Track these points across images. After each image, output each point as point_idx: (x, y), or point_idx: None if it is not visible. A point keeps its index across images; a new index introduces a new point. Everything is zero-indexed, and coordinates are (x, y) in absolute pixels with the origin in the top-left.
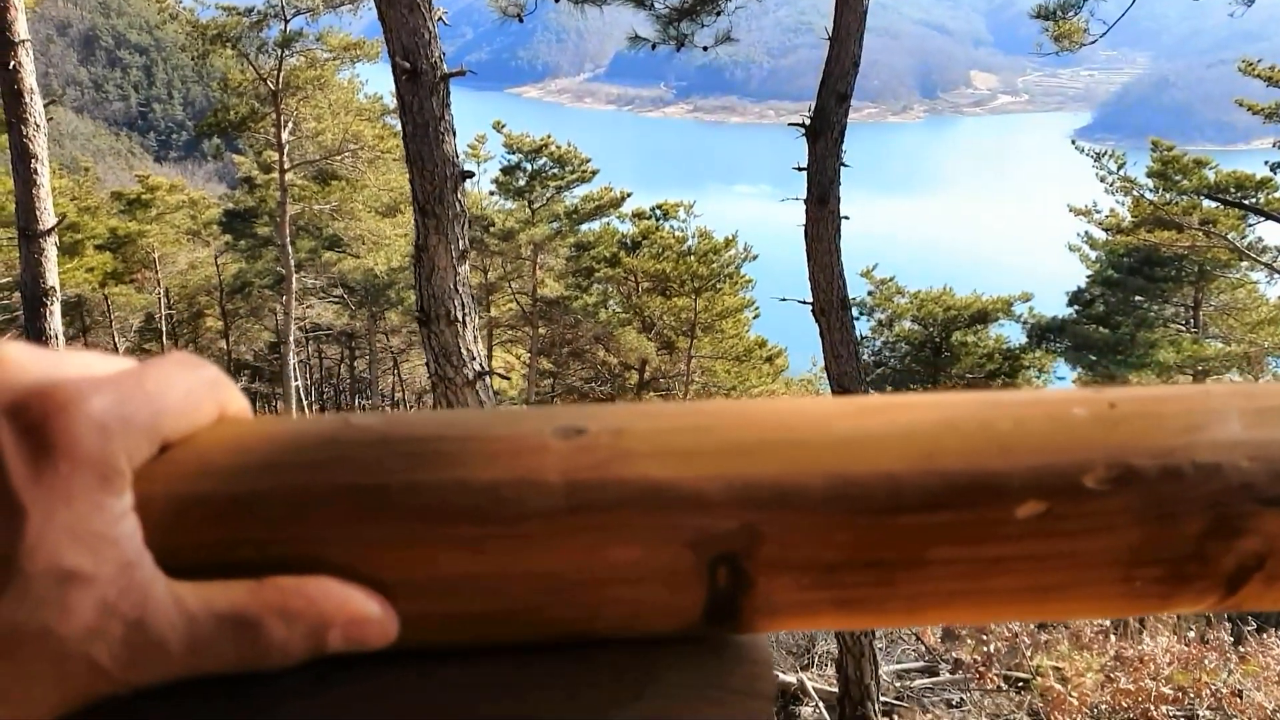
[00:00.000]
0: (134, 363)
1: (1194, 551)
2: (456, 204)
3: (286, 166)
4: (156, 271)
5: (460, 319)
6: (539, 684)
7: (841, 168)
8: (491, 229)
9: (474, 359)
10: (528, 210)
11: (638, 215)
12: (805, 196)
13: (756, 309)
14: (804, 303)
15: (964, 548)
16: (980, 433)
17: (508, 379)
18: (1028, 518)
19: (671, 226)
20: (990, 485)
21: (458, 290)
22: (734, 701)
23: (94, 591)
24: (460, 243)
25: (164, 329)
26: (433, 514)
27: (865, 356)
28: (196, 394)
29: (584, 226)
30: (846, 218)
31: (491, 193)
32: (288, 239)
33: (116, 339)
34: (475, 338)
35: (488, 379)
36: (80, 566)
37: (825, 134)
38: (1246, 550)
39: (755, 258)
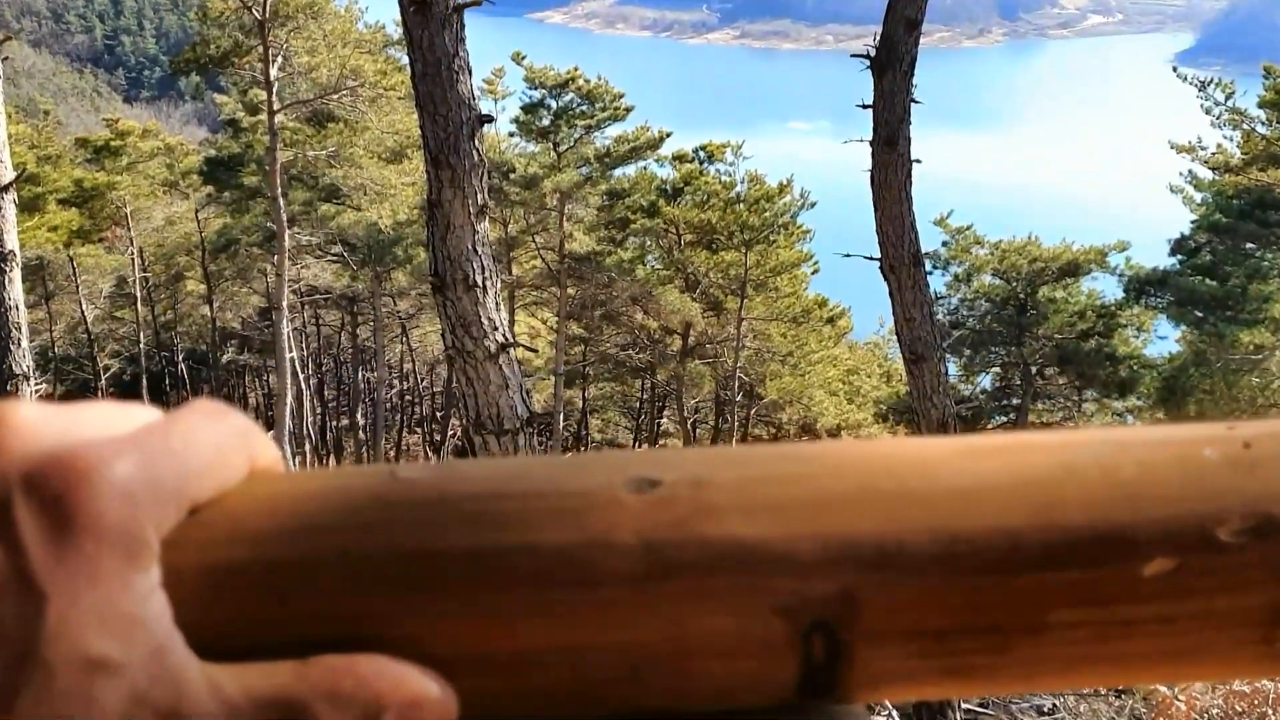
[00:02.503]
0: (155, 412)
1: None
2: (474, 153)
3: (276, 107)
4: (129, 229)
5: (479, 283)
6: None
7: (911, 104)
8: (512, 176)
9: (496, 329)
10: (553, 154)
11: (679, 158)
12: (871, 138)
13: (815, 263)
14: (870, 258)
15: (1087, 609)
16: (1103, 480)
17: (534, 352)
18: (1156, 575)
19: (717, 170)
20: (1115, 540)
21: (476, 251)
22: None
23: (123, 680)
24: (478, 196)
25: (138, 294)
26: (497, 582)
27: (940, 316)
28: (226, 448)
29: (617, 171)
30: (918, 161)
31: (511, 134)
32: (279, 190)
33: (84, 306)
34: (497, 304)
35: (511, 352)
36: (108, 654)
37: (893, 67)
38: None
39: (813, 205)
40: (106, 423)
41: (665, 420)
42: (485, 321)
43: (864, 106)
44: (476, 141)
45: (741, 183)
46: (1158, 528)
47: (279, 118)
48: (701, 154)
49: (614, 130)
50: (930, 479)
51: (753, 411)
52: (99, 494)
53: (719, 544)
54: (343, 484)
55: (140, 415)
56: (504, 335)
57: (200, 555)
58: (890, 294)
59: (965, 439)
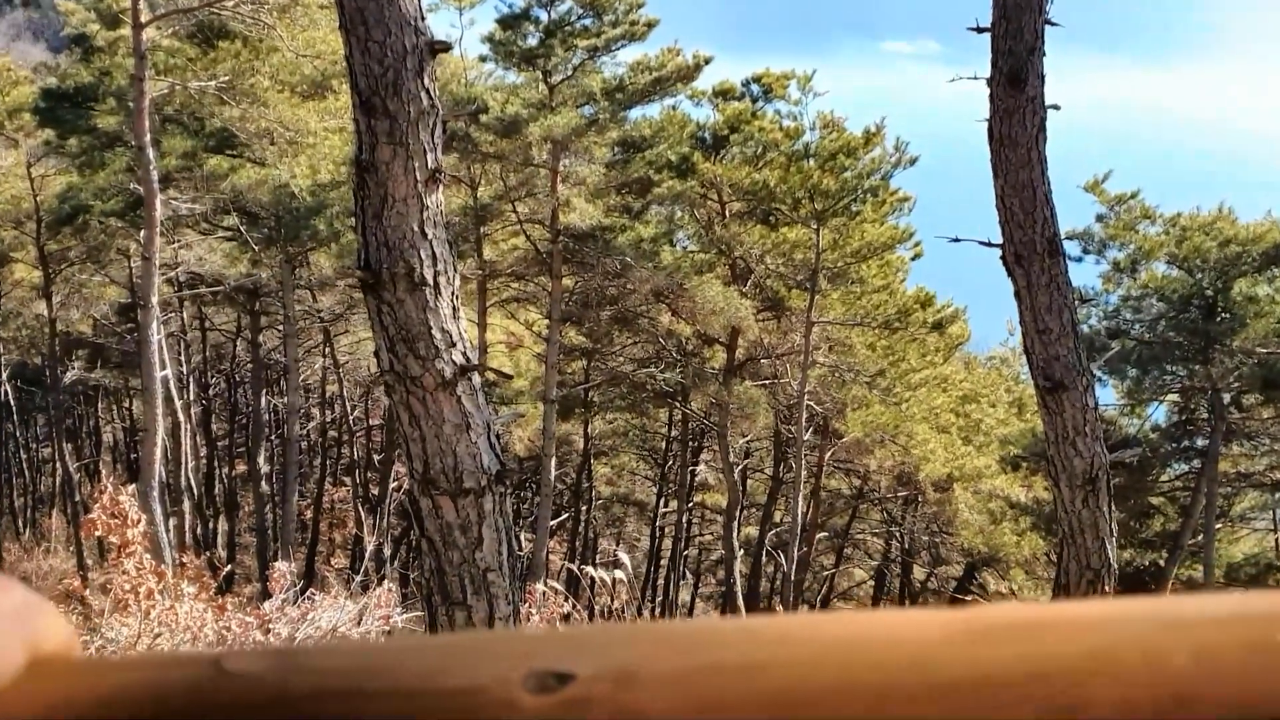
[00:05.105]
0: None
1: None
2: (422, 95)
3: (145, 18)
4: None
5: (429, 280)
6: None
7: (1046, 28)
8: (483, 118)
9: (453, 345)
10: (542, 87)
11: (722, 94)
12: (990, 75)
13: (917, 244)
14: (988, 244)
15: None
16: (1145, 672)
17: (509, 377)
18: None
19: (778, 111)
20: None
21: (425, 233)
22: None
23: None
24: (429, 156)
25: None
26: None
27: (1095, 321)
28: None
29: (635, 113)
30: (1055, 107)
31: (483, 59)
32: (147, 136)
33: None
34: (455, 309)
35: (474, 377)
36: None
37: None
38: None
39: (914, 162)
40: None
41: (702, 467)
42: (437, 334)
43: (978, 30)
44: (427, 79)
45: (812, 129)
46: None
47: (149, 33)
48: (755, 88)
49: (630, 53)
50: (924, 670)
51: (827, 455)
52: None
53: None
54: (152, 679)
55: None
56: (464, 353)
57: None
58: (1017, 294)
59: (973, 615)
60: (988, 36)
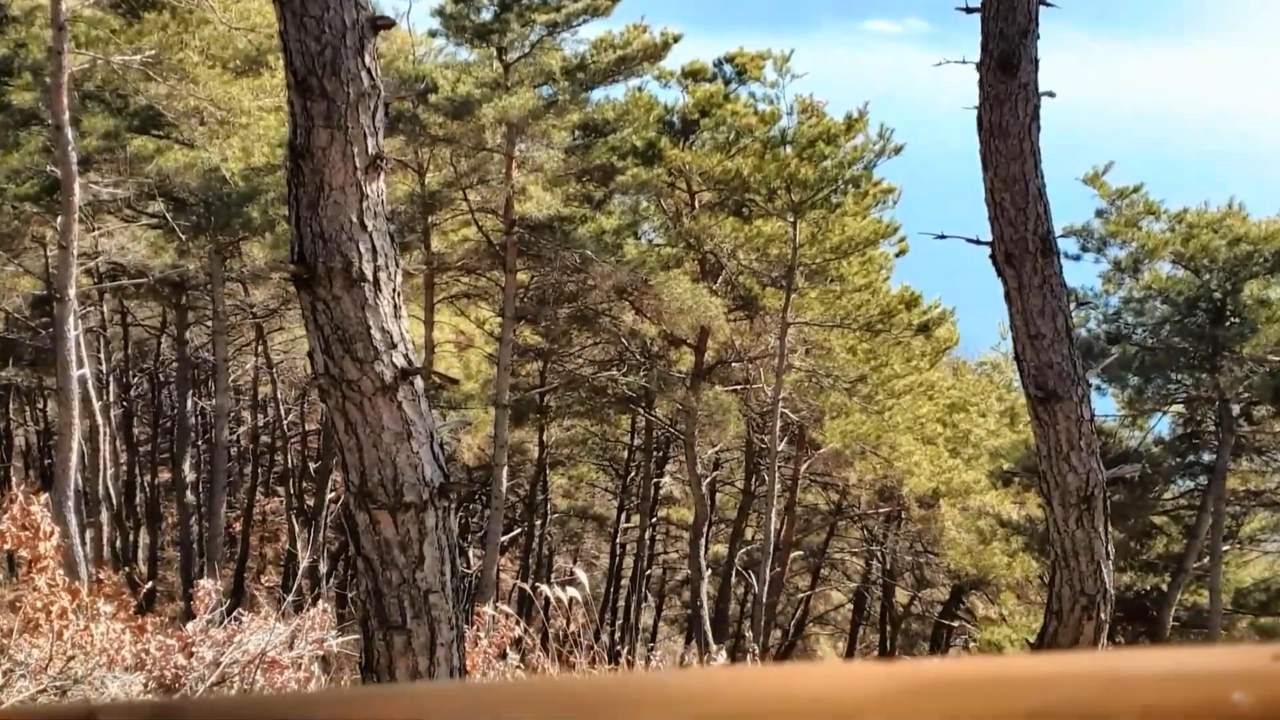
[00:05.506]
0: None
1: None
2: (363, 75)
3: None
4: None
5: (369, 276)
6: None
7: (1041, 8)
8: (432, 98)
9: (394, 346)
10: (497, 65)
11: (692, 74)
12: (979, 59)
13: (901, 239)
14: (978, 242)
15: None
16: None
17: (456, 383)
18: None
19: (752, 94)
20: None
21: (365, 225)
22: None
23: None
24: (370, 141)
25: None
26: None
27: (1093, 325)
28: None
29: (597, 94)
30: (1049, 94)
31: (432, 33)
32: (66, 115)
33: None
34: (396, 307)
35: (417, 381)
36: None
37: None
38: None
39: (900, 150)
40: None
41: (667, 479)
42: (376, 334)
43: (967, 10)
44: (368, 58)
45: (789, 114)
46: None
47: (69, 2)
48: (728, 69)
49: (593, 30)
50: None
51: (804, 467)
52: None
53: None
54: None
55: None
56: (406, 355)
57: None
58: (1007, 295)
59: (906, 671)
60: (978, 17)
